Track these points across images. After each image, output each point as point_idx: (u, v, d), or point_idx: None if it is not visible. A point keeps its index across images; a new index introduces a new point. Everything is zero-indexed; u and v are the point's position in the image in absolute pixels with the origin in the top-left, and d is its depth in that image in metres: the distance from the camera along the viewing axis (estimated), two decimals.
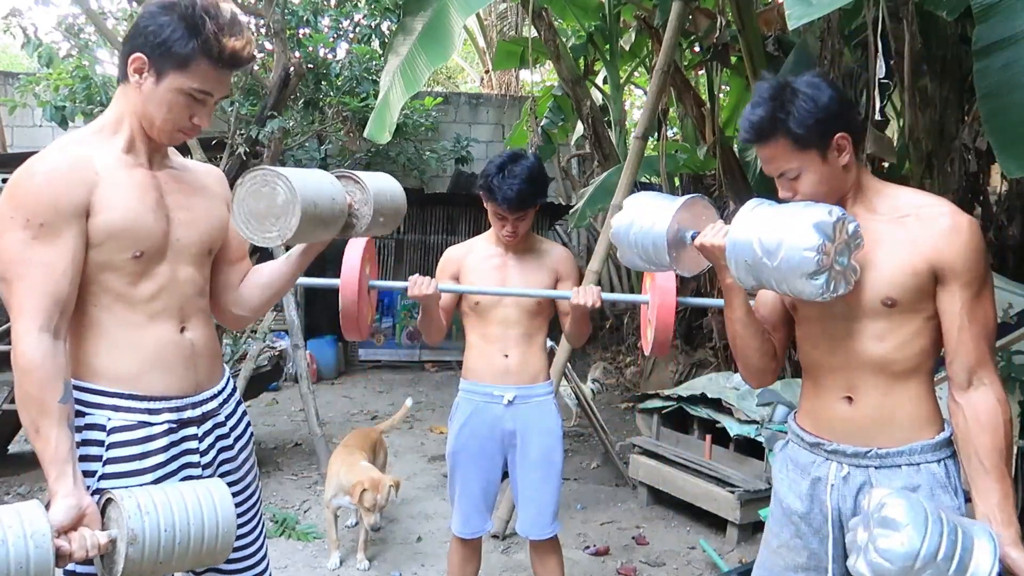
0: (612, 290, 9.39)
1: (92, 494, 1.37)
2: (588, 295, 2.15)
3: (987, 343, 1.46)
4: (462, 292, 2.39)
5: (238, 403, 1.65)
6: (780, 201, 1.53)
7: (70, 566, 1.41)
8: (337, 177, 1.58)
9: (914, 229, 1.47)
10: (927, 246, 1.45)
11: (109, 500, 1.35)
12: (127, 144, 1.45)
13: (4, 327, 4.40)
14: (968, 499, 1.56)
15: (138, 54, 1.39)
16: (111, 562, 1.32)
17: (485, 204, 2.36)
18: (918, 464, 1.50)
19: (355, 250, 2.12)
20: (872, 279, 1.48)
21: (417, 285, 2.17)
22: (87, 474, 1.40)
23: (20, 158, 1.41)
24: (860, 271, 1.47)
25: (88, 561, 1.32)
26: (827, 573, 1.58)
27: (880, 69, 3.22)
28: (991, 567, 1.28)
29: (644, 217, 1.65)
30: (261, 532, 1.69)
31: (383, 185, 1.68)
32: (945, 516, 1.32)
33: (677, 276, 1.96)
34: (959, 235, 1.43)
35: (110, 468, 1.41)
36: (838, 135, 1.47)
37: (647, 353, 2.15)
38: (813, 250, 1.36)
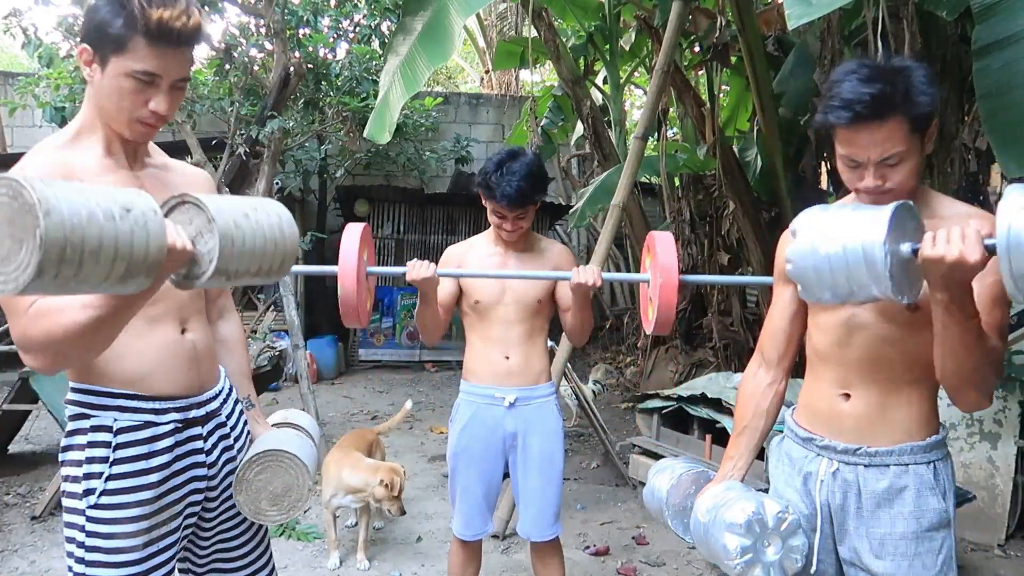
0: (613, 294, 9.42)
1: (100, 496, 1.38)
2: (588, 274, 2.11)
3: (997, 331, 1.41)
4: (461, 276, 2.35)
5: (236, 402, 1.65)
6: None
7: (78, 568, 1.41)
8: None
9: None
10: None
11: (176, 206, 1.17)
12: (105, 146, 1.40)
13: (4, 327, 4.40)
14: (957, 503, 1.56)
15: (83, 45, 1.34)
16: (195, 266, 1.16)
17: (484, 202, 2.35)
18: (906, 465, 1.50)
19: (352, 236, 2.06)
20: None
21: (416, 268, 2.13)
22: (94, 476, 1.39)
23: (20, 158, 1.40)
24: None
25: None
26: (812, 566, 1.59)
27: None
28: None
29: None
30: (265, 533, 1.70)
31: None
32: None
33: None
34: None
35: (117, 469, 1.40)
36: (935, 121, 1.42)
37: (648, 332, 2.11)
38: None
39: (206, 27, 1.37)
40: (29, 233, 0.92)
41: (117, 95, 1.33)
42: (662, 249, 1.99)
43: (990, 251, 1.17)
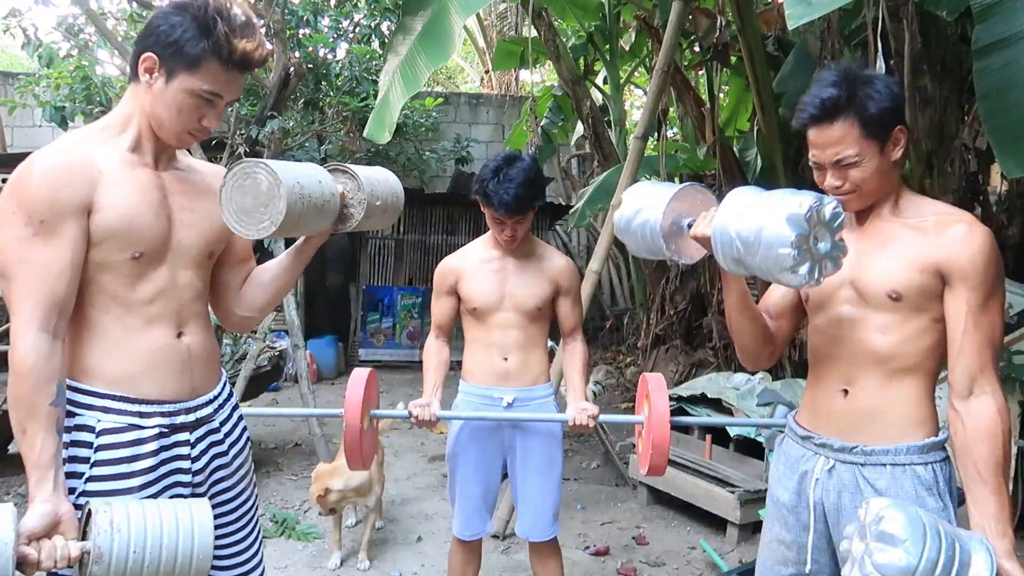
0: (613, 294, 9.40)
1: (79, 496, 1.36)
2: (583, 429, 2.29)
3: (991, 351, 1.45)
4: (461, 419, 2.44)
5: (234, 408, 1.63)
6: (819, 190, 1.50)
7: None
8: (329, 171, 1.59)
9: (930, 233, 1.49)
10: (937, 247, 1.47)
11: (91, 512, 1.31)
12: (133, 143, 1.43)
13: (4, 327, 4.40)
14: (961, 502, 1.56)
15: (149, 53, 1.38)
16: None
17: (483, 209, 2.34)
18: (903, 465, 1.51)
19: (357, 383, 2.23)
20: (881, 272, 1.51)
21: (420, 420, 2.30)
22: (74, 475, 1.38)
23: (20, 158, 1.40)
24: (869, 261, 1.50)
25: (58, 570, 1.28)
26: (806, 565, 1.59)
27: (880, 69, 3.22)
28: None
29: (643, 207, 1.62)
30: (257, 537, 1.67)
31: (379, 175, 1.68)
32: (943, 529, 1.30)
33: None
34: (971, 240, 1.44)
35: (98, 471, 1.39)
36: (897, 127, 1.49)
37: (643, 473, 2.25)
38: (788, 246, 1.34)
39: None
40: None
41: (176, 108, 1.40)
42: (657, 399, 2.16)
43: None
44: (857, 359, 1.55)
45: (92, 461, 1.39)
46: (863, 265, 1.54)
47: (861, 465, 1.53)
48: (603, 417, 2.34)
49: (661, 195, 1.60)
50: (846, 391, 1.57)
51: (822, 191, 1.51)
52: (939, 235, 1.48)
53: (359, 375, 2.24)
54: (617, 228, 1.70)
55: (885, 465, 1.52)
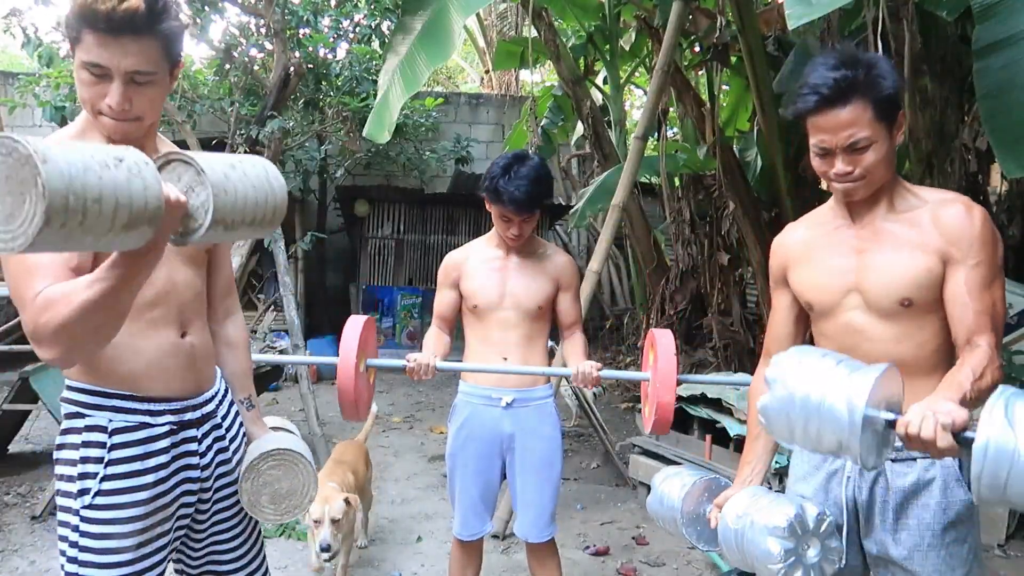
0: (613, 294, 9.41)
1: (95, 497, 1.37)
2: (587, 378, 2.24)
3: (989, 319, 1.42)
4: (460, 369, 2.41)
5: (231, 404, 1.64)
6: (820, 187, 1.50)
7: (70, 567, 1.40)
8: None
9: (927, 223, 1.48)
10: (937, 234, 1.46)
11: (163, 165, 1.17)
12: (108, 141, 1.38)
13: (4, 327, 4.40)
14: None
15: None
16: (190, 220, 1.17)
17: (489, 207, 2.34)
18: (932, 459, 1.50)
19: (352, 331, 2.15)
20: (889, 278, 1.49)
21: (417, 371, 2.24)
22: (88, 476, 1.39)
23: None
24: (874, 266, 1.50)
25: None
26: (841, 561, 1.59)
27: None
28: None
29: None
30: (259, 534, 1.69)
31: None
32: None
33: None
34: (968, 220, 1.44)
35: (112, 470, 1.40)
36: (901, 111, 1.49)
37: (647, 432, 2.20)
38: (777, 561, 1.47)
39: (165, 17, 1.31)
40: (30, 185, 0.93)
41: (80, 87, 1.34)
42: (663, 351, 2.14)
43: (961, 442, 1.19)
44: None
45: (106, 461, 1.39)
46: (868, 271, 1.52)
47: (892, 460, 1.53)
48: (606, 372, 2.29)
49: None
50: None
51: (824, 194, 1.50)
52: (937, 221, 1.47)
53: (356, 321, 2.17)
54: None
55: (915, 459, 1.51)
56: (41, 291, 1.20)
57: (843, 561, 1.54)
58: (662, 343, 2.17)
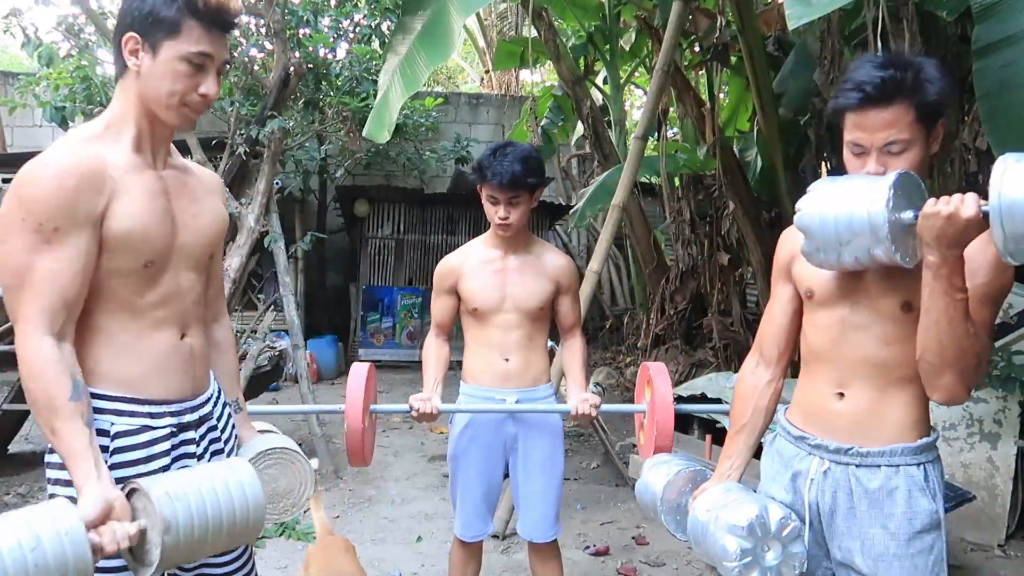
0: (613, 294, 9.41)
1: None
2: (587, 408, 2.28)
3: (984, 333, 1.41)
4: (460, 412, 2.42)
5: (224, 406, 1.64)
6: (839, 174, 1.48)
7: (100, 562, 1.40)
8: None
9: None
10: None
11: (133, 491, 1.30)
12: (135, 142, 1.41)
13: (5, 327, 4.40)
14: (958, 503, 1.56)
15: (129, 34, 1.36)
16: (143, 552, 1.27)
17: (480, 191, 2.33)
18: (897, 466, 1.51)
19: (357, 380, 2.21)
20: (895, 284, 1.48)
21: (421, 413, 2.26)
22: None
23: (20, 158, 1.40)
24: (883, 274, 1.48)
25: (117, 555, 1.28)
26: (802, 567, 1.59)
27: None
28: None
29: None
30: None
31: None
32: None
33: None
34: (981, 238, 1.40)
35: (115, 473, 1.39)
36: (941, 120, 1.46)
37: (645, 458, 2.25)
38: (731, 559, 1.50)
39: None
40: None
41: (171, 79, 1.37)
42: (660, 383, 2.21)
43: (984, 216, 1.24)
44: (857, 365, 1.53)
45: (109, 464, 1.38)
46: (875, 271, 1.49)
47: (856, 466, 1.53)
48: (605, 407, 2.33)
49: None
50: (842, 394, 1.55)
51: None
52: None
53: (359, 370, 2.24)
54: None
55: (880, 466, 1.51)
56: (40, 340, 1.28)
57: (804, 567, 1.53)
58: (658, 381, 2.24)
